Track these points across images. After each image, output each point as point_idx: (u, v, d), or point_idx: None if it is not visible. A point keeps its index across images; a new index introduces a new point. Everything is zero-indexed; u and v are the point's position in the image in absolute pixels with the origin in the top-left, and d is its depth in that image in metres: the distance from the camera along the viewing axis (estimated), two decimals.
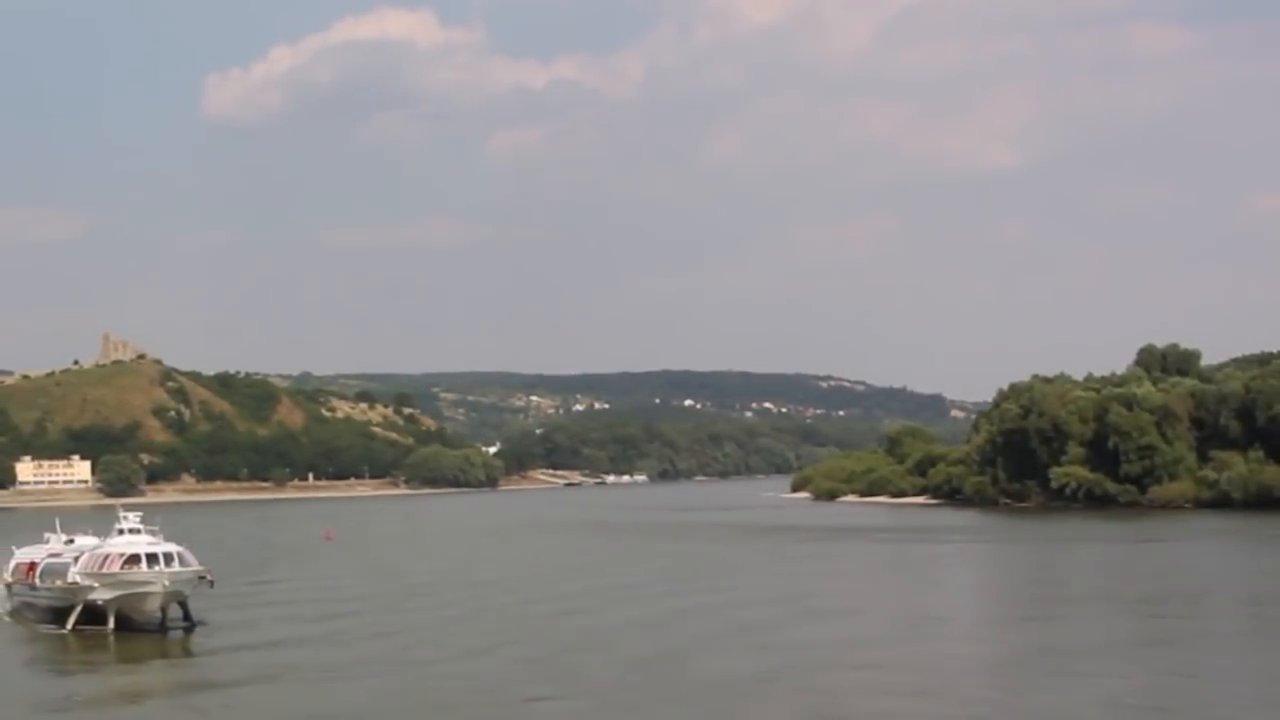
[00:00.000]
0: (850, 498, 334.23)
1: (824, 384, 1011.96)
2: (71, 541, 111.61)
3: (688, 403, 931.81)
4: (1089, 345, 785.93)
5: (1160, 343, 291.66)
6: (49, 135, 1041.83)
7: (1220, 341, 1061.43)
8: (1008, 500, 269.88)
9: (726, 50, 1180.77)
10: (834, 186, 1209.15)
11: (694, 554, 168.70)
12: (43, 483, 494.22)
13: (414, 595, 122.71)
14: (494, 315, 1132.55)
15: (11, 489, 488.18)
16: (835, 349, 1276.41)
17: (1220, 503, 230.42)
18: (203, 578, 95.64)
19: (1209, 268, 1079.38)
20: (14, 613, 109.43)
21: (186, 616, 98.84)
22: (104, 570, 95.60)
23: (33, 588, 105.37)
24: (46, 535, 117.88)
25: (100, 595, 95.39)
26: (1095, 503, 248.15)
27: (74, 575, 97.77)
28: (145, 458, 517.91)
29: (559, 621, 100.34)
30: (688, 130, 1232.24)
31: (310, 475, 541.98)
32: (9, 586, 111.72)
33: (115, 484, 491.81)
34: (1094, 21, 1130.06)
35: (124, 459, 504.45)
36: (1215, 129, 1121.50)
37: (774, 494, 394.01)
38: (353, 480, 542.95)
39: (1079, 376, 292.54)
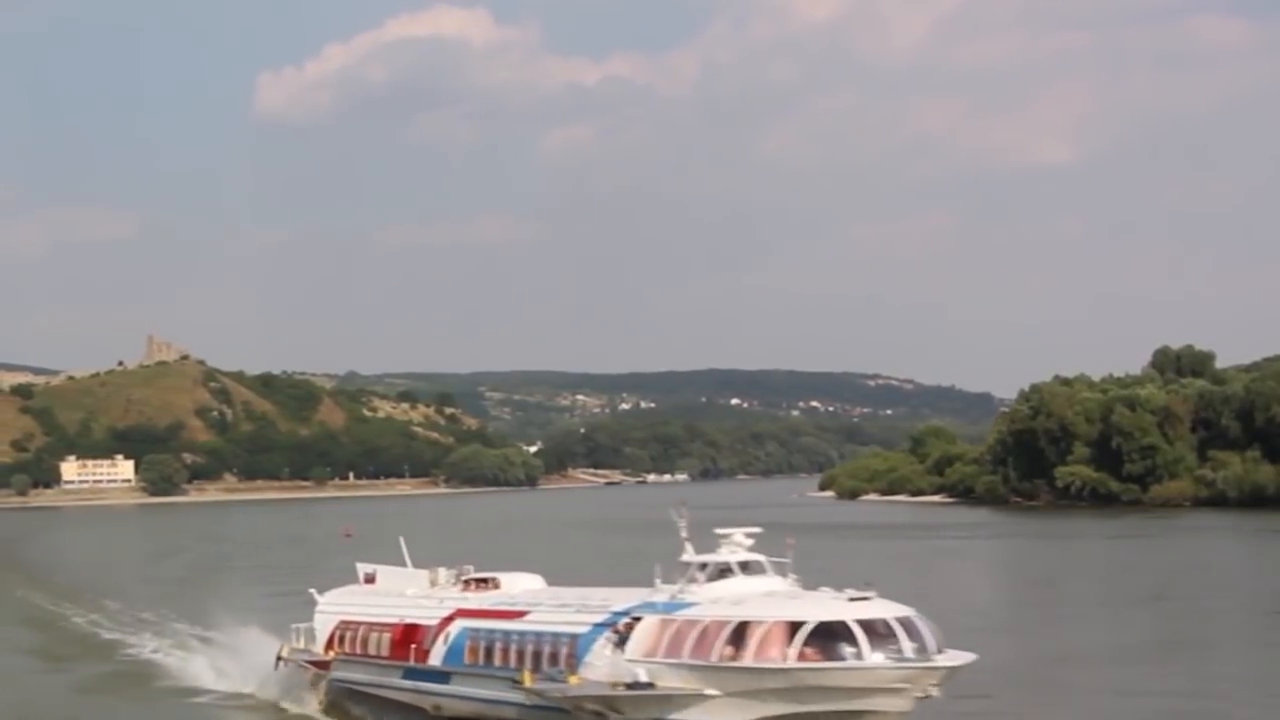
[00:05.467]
0: (871, 496, 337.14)
1: (872, 383, 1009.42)
2: (482, 583, 62.67)
3: (734, 401, 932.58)
4: (1138, 344, 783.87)
5: (1205, 342, 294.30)
6: (102, 135, 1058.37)
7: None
8: (1018, 498, 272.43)
9: (782, 47, 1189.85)
10: (888, 183, 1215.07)
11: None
12: (87, 482, 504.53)
13: None
14: (541, 314, 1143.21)
15: (56, 488, 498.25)
16: (884, 347, 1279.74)
17: (1217, 501, 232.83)
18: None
19: (1266, 263, 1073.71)
20: (337, 706, 65.82)
21: None
22: (754, 661, 48.30)
23: (413, 671, 60.47)
24: (364, 568, 69.72)
25: (733, 712, 49.28)
26: (1100, 501, 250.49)
27: (629, 665, 51.00)
28: (188, 457, 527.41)
29: None
30: (741, 127, 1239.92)
31: (350, 474, 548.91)
32: (316, 665, 65.87)
33: (158, 483, 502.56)
34: (1154, 15, 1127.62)
35: (167, 458, 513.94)
36: (1273, 123, 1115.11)
37: (802, 493, 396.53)
38: (393, 479, 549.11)
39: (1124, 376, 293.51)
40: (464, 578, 63.38)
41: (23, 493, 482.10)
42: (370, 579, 68.50)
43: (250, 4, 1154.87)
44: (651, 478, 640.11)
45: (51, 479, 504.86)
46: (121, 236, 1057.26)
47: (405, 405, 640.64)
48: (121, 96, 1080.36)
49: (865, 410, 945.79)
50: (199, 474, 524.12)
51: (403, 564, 68.92)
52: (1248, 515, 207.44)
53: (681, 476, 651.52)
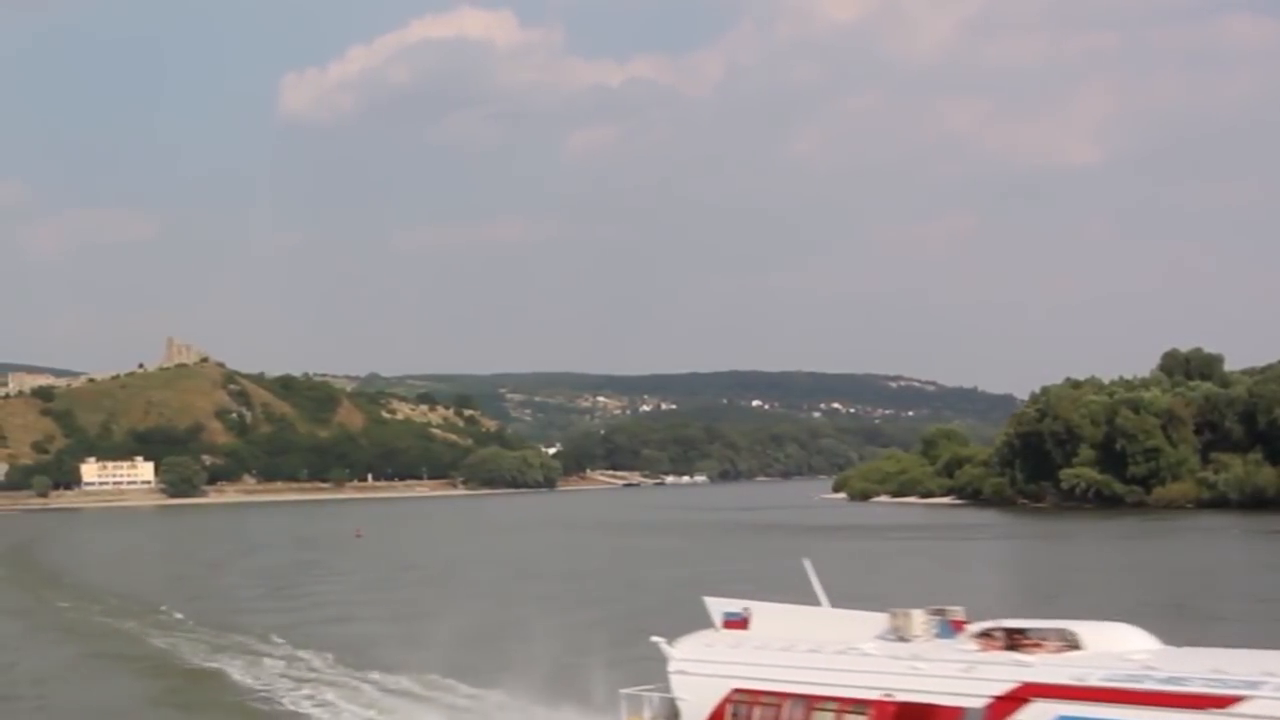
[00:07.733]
0: (883, 498, 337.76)
1: (893, 384, 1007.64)
2: (1019, 636, 33.49)
3: (755, 403, 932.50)
4: (1161, 345, 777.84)
5: (1228, 344, 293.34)
6: (124, 137, 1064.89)
7: None
8: (1024, 500, 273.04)
9: (806, 48, 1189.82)
10: (912, 184, 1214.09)
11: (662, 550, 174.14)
12: (107, 483, 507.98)
13: None
14: (562, 315, 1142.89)
15: (77, 489, 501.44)
16: (906, 348, 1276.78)
17: (1219, 503, 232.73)
18: None
19: None
20: None
21: None
22: None
23: None
24: (722, 605, 41.93)
25: None
26: (1104, 503, 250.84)
27: None
28: (207, 459, 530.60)
29: None
30: (765, 129, 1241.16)
31: (369, 476, 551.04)
32: None
33: (178, 485, 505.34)
34: (1181, 16, 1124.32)
35: (186, 460, 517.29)
36: None
37: (816, 495, 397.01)
38: (411, 481, 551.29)
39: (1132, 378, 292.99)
40: (975, 629, 34.83)
41: (43, 494, 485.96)
42: (739, 622, 41.42)
43: (274, 6, 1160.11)
44: (670, 479, 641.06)
45: (72, 480, 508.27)
46: (142, 238, 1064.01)
47: (424, 407, 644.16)
48: (143, 98, 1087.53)
49: (887, 412, 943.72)
50: (218, 475, 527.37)
51: (771, 598, 42.49)
52: (1247, 517, 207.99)
53: (700, 478, 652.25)
